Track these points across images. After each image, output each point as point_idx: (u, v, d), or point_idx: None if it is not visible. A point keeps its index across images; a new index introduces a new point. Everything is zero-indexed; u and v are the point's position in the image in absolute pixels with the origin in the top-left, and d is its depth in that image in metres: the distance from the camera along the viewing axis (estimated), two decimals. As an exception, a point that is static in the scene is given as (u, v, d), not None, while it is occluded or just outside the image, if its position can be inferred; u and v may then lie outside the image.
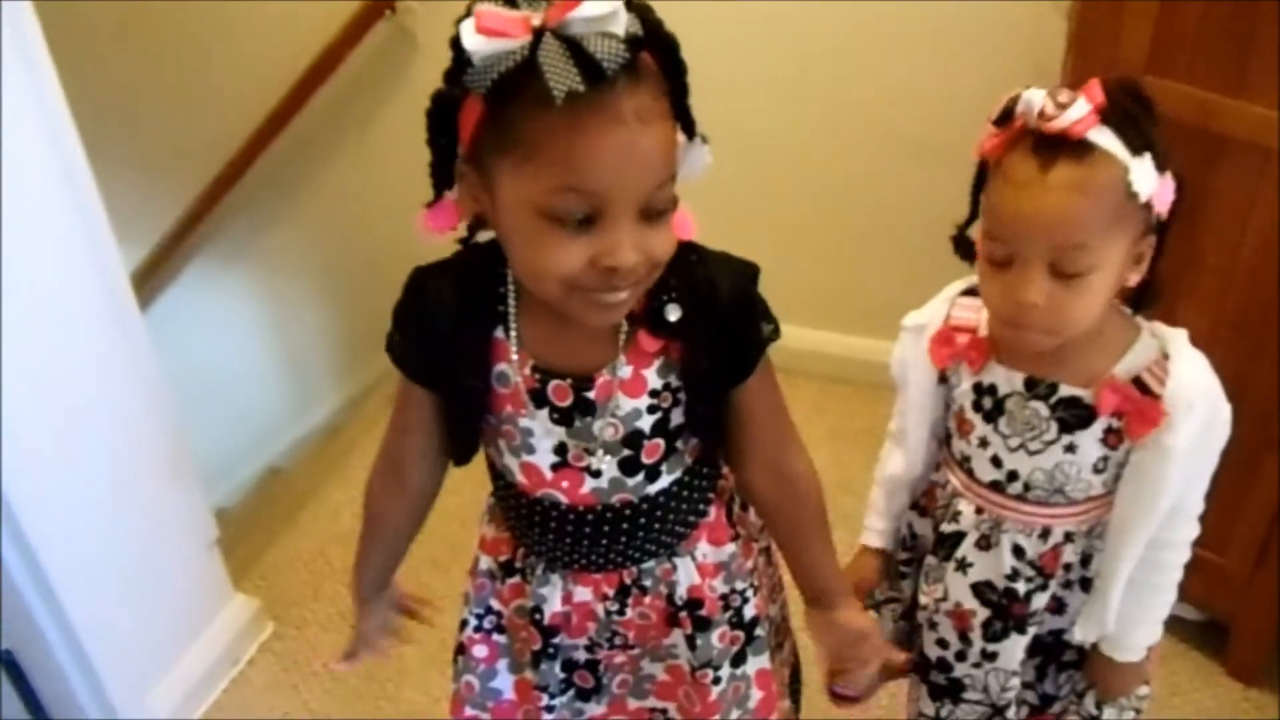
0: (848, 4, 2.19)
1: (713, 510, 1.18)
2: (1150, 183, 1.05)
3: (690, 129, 0.94)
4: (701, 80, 0.92)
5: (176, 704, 1.89)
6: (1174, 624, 1.89)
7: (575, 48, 0.82)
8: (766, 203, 2.42)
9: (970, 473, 1.27)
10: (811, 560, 1.21)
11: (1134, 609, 1.24)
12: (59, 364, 1.61)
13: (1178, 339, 1.16)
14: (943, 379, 1.28)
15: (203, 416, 2.24)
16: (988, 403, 1.22)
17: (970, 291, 1.26)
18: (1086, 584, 1.27)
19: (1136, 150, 1.04)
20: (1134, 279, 1.13)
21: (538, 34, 0.83)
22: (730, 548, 1.19)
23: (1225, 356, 1.19)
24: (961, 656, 1.33)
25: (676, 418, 1.07)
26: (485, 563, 1.24)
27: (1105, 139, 1.03)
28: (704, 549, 1.18)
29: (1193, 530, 1.23)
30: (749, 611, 1.21)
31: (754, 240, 1.08)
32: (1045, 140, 1.04)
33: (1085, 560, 1.26)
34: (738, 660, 1.22)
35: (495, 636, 1.25)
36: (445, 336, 1.05)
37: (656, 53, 0.89)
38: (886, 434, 1.39)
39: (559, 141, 0.86)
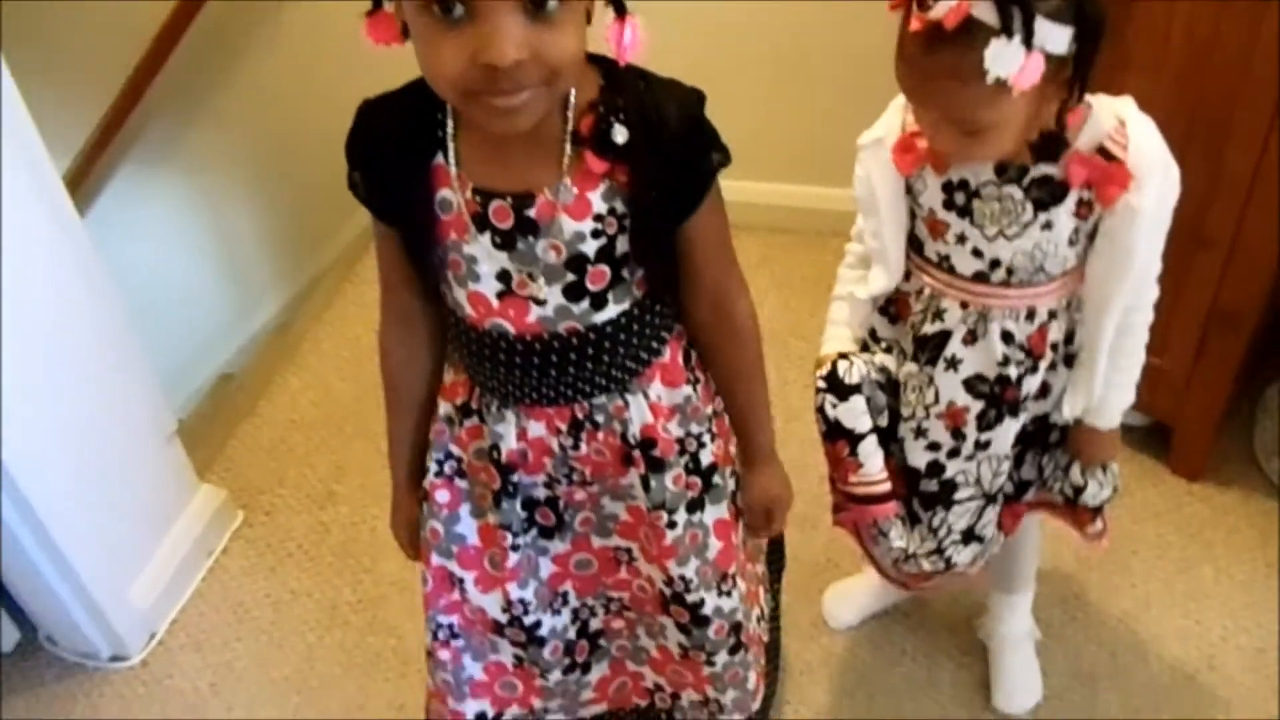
0: None
1: (668, 351, 1.18)
2: (1009, 65, 1.04)
3: None
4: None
5: (158, 596, 1.91)
6: (1119, 431, 1.98)
7: None
8: (703, 52, 2.39)
9: (951, 270, 1.30)
10: (748, 409, 1.25)
11: (1111, 375, 1.31)
12: (7, 275, 1.59)
13: (1128, 105, 1.21)
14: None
15: (147, 328, 2.21)
16: (960, 198, 1.25)
17: None
18: (1069, 361, 1.33)
19: (1006, 23, 1.03)
20: (1053, 106, 1.15)
21: None
22: (685, 390, 1.20)
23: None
24: (954, 454, 1.38)
25: (622, 245, 1.07)
26: (444, 409, 1.24)
27: (985, 12, 1.04)
28: (657, 389, 1.18)
29: (1154, 292, 1.29)
30: (705, 457, 1.23)
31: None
32: (933, 33, 1.06)
33: (1069, 338, 1.32)
34: (693, 507, 1.24)
35: (457, 481, 1.26)
36: (389, 165, 1.05)
37: None
38: (849, 260, 1.43)
39: None
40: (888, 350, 1.41)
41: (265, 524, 2.09)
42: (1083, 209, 1.22)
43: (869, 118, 1.31)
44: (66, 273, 1.71)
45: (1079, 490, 1.42)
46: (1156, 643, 1.73)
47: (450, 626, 1.35)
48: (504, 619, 1.31)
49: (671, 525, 1.22)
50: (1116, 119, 1.20)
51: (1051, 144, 1.19)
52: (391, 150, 1.05)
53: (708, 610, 1.29)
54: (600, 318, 1.11)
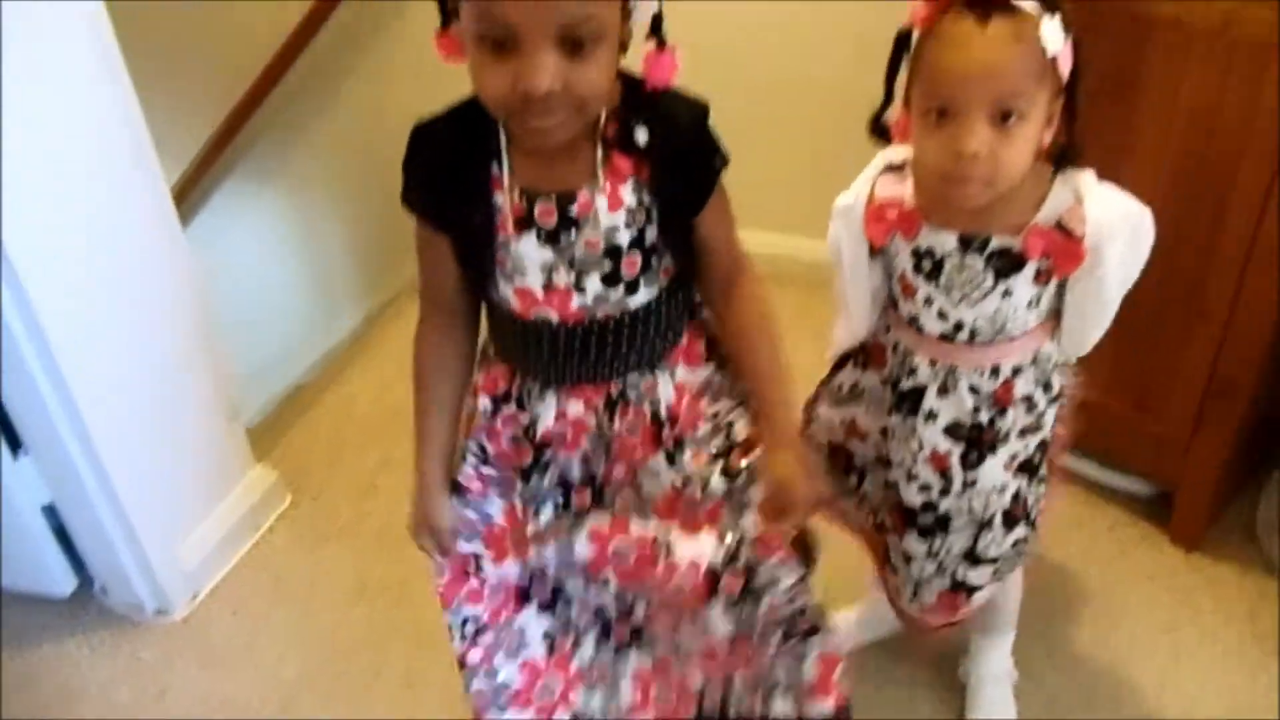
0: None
1: (685, 337, 1.31)
2: (1058, 41, 1.19)
3: None
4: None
5: (203, 559, 2.08)
6: (1124, 499, 2.05)
7: None
8: (736, 113, 2.52)
9: (920, 330, 1.41)
10: (767, 384, 1.31)
11: (1090, 328, 1.41)
12: (110, 269, 1.82)
13: (1086, 180, 1.31)
14: (876, 251, 1.42)
15: (230, 336, 2.38)
16: (927, 264, 1.37)
17: (889, 169, 1.41)
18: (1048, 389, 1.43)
19: (1049, 9, 1.18)
20: (1048, 138, 1.27)
21: None
22: (708, 369, 1.32)
23: (1159, 231, 1.32)
24: (945, 492, 1.47)
25: (651, 235, 1.21)
26: (482, 403, 1.35)
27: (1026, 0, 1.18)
28: (681, 371, 1.30)
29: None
30: (739, 432, 1.32)
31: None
32: (978, 2, 1.19)
33: (1046, 385, 1.42)
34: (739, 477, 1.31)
35: (483, 469, 1.37)
36: (447, 176, 1.20)
37: None
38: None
39: None
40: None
41: (311, 506, 2.25)
42: (1041, 276, 1.33)
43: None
44: (162, 274, 1.93)
45: None
46: (1134, 693, 1.78)
47: (475, 619, 1.42)
48: (526, 581, 1.40)
49: (707, 490, 1.31)
50: (1074, 196, 1.30)
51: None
52: (451, 163, 1.20)
53: (759, 582, 1.32)
54: (633, 303, 1.24)
